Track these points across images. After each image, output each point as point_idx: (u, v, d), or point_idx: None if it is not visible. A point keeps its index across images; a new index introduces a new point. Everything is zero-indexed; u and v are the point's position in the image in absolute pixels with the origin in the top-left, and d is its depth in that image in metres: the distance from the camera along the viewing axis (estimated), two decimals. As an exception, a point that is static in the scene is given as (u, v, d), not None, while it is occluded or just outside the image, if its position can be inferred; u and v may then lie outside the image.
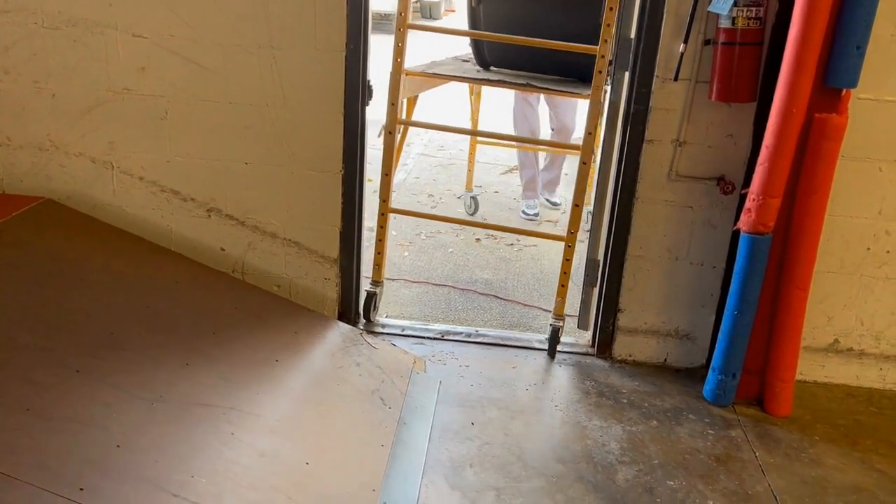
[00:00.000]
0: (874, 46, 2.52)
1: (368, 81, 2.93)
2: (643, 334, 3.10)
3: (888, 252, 2.90)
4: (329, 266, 3.09)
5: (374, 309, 3.27)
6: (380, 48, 3.23)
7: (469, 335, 3.26)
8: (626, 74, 2.88)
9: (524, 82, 3.54)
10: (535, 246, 4.43)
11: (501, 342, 3.23)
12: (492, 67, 3.77)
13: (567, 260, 3.11)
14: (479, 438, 2.59)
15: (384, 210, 3.24)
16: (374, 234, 3.29)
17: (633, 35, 2.83)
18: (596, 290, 3.16)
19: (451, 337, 3.24)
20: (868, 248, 2.90)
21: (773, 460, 2.59)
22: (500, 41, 3.50)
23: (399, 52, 3.11)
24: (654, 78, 2.76)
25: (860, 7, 2.43)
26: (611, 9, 2.86)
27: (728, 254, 2.92)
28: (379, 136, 3.22)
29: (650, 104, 2.80)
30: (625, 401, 2.87)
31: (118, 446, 1.91)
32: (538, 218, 4.87)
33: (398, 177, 5.30)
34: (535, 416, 2.75)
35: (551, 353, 3.15)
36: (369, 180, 3.20)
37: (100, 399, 2.07)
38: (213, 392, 2.28)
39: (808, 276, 2.71)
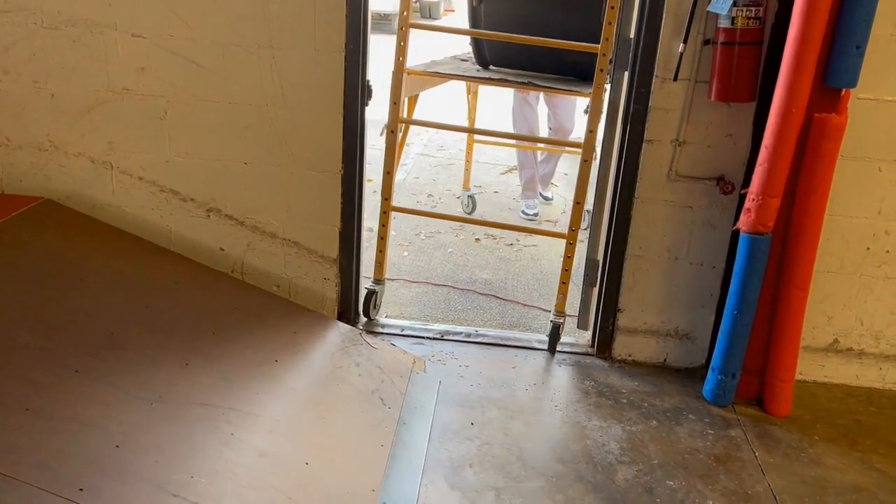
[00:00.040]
0: (874, 46, 2.52)
1: (368, 81, 2.93)
2: (643, 334, 3.10)
3: (888, 252, 2.90)
4: (328, 266, 3.09)
5: (375, 307, 3.28)
6: (379, 48, 3.23)
7: (469, 335, 3.26)
8: (626, 74, 2.88)
9: (525, 81, 3.55)
10: (534, 246, 4.44)
11: (501, 342, 3.23)
12: (491, 66, 3.77)
13: (568, 257, 3.12)
14: (479, 438, 2.59)
15: (386, 208, 3.25)
16: (374, 234, 3.29)
17: (632, 35, 2.83)
18: (595, 290, 3.16)
19: (450, 337, 3.24)
20: (868, 248, 2.90)
21: (773, 460, 2.59)
22: (502, 40, 3.51)
23: (401, 50, 3.11)
24: (654, 78, 2.76)
25: (860, 7, 2.43)
26: (612, 7, 2.86)
27: (728, 254, 2.92)
28: (381, 134, 3.23)
29: (650, 104, 2.80)
30: (624, 401, 2.87)
31: (118, 446, 1.91)
32: (538, 218, 4.88)
33: (397, 177, 5.30)
34: (535, 416, 2.75)
35: (552, 349, 3.16)
36: (369, 180, 3.20)
37: (99, 399, 2.07)
38: (213, 392, 2.27)
39: (808, 276, 2.71)
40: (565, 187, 5.54)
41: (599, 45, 2.94)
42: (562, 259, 3.17)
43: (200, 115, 2.92)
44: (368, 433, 2.42)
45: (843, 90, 2.55)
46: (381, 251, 3.28)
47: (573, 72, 3.61)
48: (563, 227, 3.20)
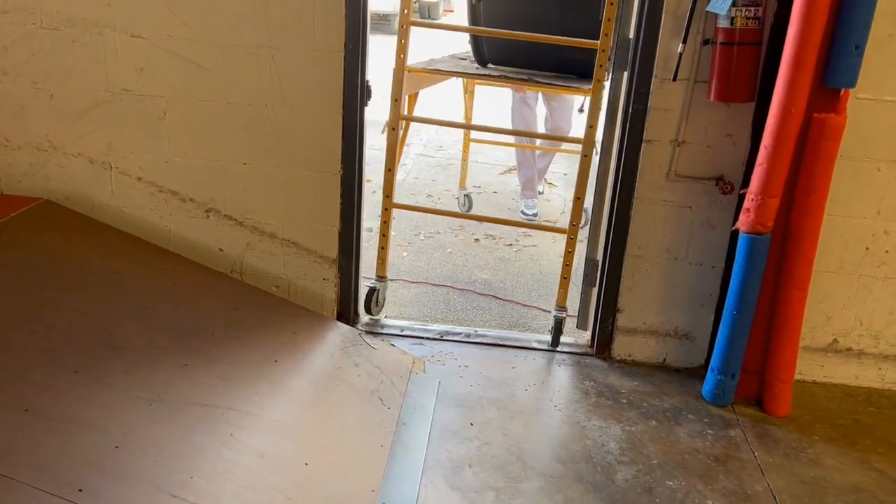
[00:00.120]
0: (873, 46, 2.52)
1: (367, 82, 2.93)
2: (642, 334, 3.10)
3: (887, 252, 2.90)
4: (328, 266, 3.09)
5: (377, 304, 3.29)
6: (378, 48, 3.23)
7: (468, 335, 3.26)
8: (625, 74, 2.88)
9: (525, 77, 3.56)
10: (534, 246, 4.44)
11: (500, 342, 3.23)
12: (490, 65, 3.78)
13: (569, 252, 3.14)
14: (479, 439, 2.59)
15: (388, 205, 3.27)
16: (373, 234, 3.30)
17: (631, 35, 2.83)
18: (595, 290, 3.16)
19: (450, 337, 3.24)
20: (867, 248, 2.90)
21: (773, 460, 2.59)
22: (501, 37, 3.51)
23: (402, 48, 3.12)
24: (653, 78, 2.76)
25: (859, 7, 2.43)
26: (611, 3, 2.87)
27: (727, 254, 2.92)
28: (382, 132, 3.24)
29: (649, 104, 2.80)
30: (624, 401, 2.87)
31: (117, 447, 1.91)
32: (537, 218, 4.88)
33: (397, 177, 5.31)
34: (535, 417, 2.75)
35: (555, 343, 3.19)
36: (368, 180, 3.20)
37: (98, 399, 2.07)
38: (212, 392, 2.27)
39: (807, 276, 2.71)
40: (565, 187, 5.54)
41: (598, 42, 2.95)
42: (562, 257, 3.17)
43: (200, 116, 2.92)
44: (368, 433, 2.41)
45: (843, 90, 2.55)
46: (382, 248, 3.30)
47: (572, 69, 3.62)
48: (563, 226, 3.20)
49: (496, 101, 5.80)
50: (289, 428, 2.29)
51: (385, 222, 3.28)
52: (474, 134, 5.09)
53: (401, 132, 3.28)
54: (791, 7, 2.46)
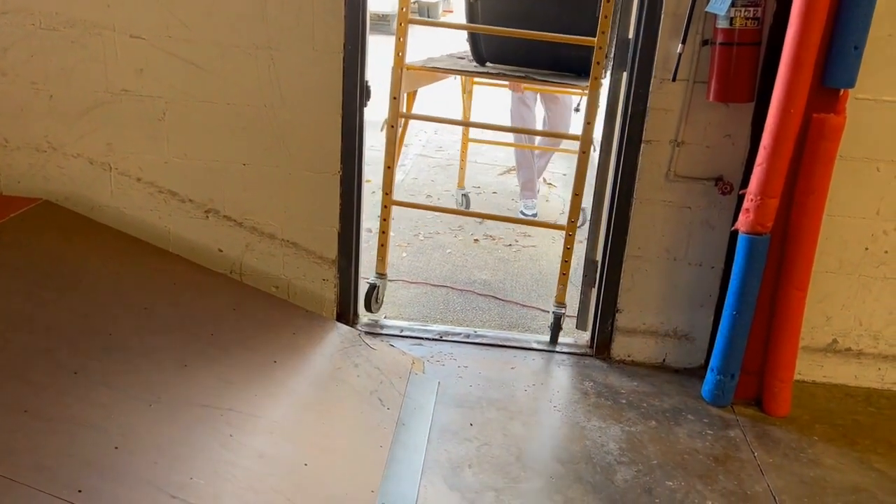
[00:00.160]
0: (872, 46, 2.52)
1: (366, 82, 2.93)
2: (642, 335, 3.10)
3: (886, 252, 2.90)
4: (327, 267, 3.09)
5: (377, 301, 3.30)
6: (378, 49, 3.23)
7: (467, 336, 3.26)
8: (625, 75, 2.89)
9: (522, 75, 3.57)
10: (533, 247, 4.44)
11: (500, 343, 3.23)
12: (488, 63, 3.79)
13: (568, 248, 3.15)
14: (478, 439, 2.59)
15: (387, 202, 3.28)
16: (372, 235, 3.30)
17: (631, 35, 2.84)
18: (594, 291, 3.17)
19: (449, 338, 3.24)
20: (866, 249, 2.90)
21: (772, 460, 2.59)
22: (500, 35, 3.53)
23: (400, 46, 3.13)
24: (653, 78, 2.76)
25: (858, 7, 2.43)
26: (608, 0, 2.88)
27: (726, 254, 2.92)
28: (381, 130, 3.25)
29: (648, 104, 2.80)
30: (623, 401, 2.87)
31: (116, 448, 1.91)
32: (536, 219, 4.88)
33: (396, 178, 5.32)
34: (534, 417, 2.75)
35: (553, 339, 3.20)
36: (367, 181, 3.20)
37: (98, 400, 2.07)
38: (212, 393, 2.27)
39: (807, 277, 2.71)
40: (564, 188, 5.54)
41: (595, 38, 2.97)
42: (561, 255, 3.19)
43: (199, 117, 2.92)
44: (367, 434, 2.41)
45: (842, 90, 2.55)
46: (382, 245, 3.32)
47: (569, 67, 3.63)
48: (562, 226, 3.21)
49: (494, 102, 5.81)
50: (288, 429, 2.28)
51: (385, 219, 3.30)
52: (473, 133, 5.10)
53: (399, 130, 3.29)
54: (790, 7, 2.46)
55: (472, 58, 3.83)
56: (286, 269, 3.10)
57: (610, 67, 3.00)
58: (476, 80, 4.57)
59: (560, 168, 5.90)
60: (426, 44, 5.27)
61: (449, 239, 4.47)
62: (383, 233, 3.32)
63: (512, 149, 5.21)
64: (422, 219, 4.69)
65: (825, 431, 2.78)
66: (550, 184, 5.64)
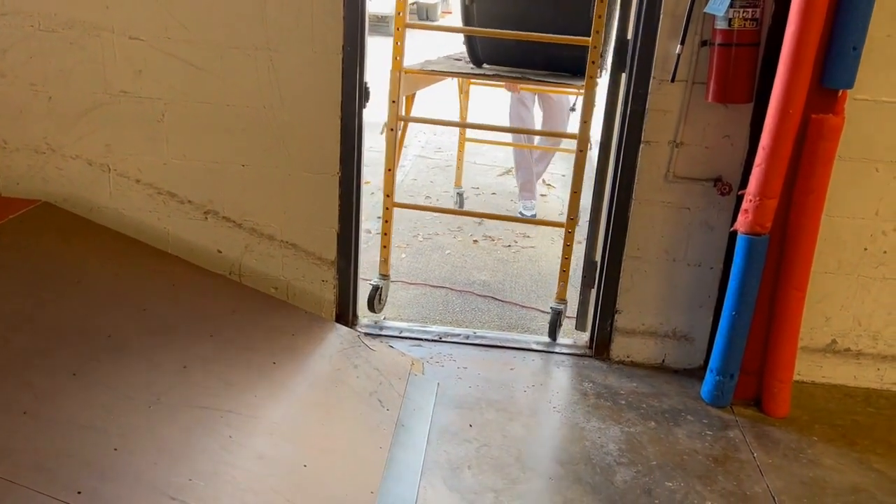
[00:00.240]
0: (871, 47, 2.52)
1: (365, 83, 2.93)
2: (641, 335, 3.10)
3: (885, 252, 2.90)
4: (326, 268, 3.09)
5: (380, 302, 3.33)
6: (377, 50, 3.23)
7: (467, 337, 3.26)
8: (623, 76, 2.89)
9: (519, 75, 3.59)
10: (532, 248, 4.44)
11: (499, 344, 3.23)
12: (485, 65, 3.80)
13: (567, 245, 3.17)
14: (478, 440, 2.59)
15: (388, 205, 3.31)
16: (372, 236, 3.31)
17: (630, 36, 2.84)
18: (594, 292, 3.17)
19: (448, 339, 3.24)
20: (865, 249, 2.90)
21: (772, 461, 2.59)
22: (495, 36, 3.54)
23: (398, 50, 3.14)
24: (651, 79, 2.77)
25: (856, 8, 2.43)
26: (601, 0, 2.90)
27: (725, 255, 2.92)
28: (381, 133, 3.26)
29: (647, 105, 2.80)
30: (623, 402, 2.87)
31: (116, 449, 1.91)
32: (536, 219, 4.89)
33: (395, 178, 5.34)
34: (534, 418, 2.75)
35: (552, 335, 3.23)
36: (366, 182, 3.21)
37: (97, 402, 2.07)
38: (211, 395, 2.27)
39: (806, 277, 2.71)
40: (563, 188, 5.54)
41: (590, 38, 2.98)
42: (560, 253, 3.20)
43: (198, 118, 2.92)
44: (367, 435, 2.41)
45: (840, 91, 2.55)
46: (384, 247, 3.35)
47: (565, 68, 3.65)
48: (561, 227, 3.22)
49: (492, 102, 5.81)
50: (288, 430, 2.28)
51: (386, 222, 3.32)
52: (471, 134, 5.11)
53: (399, 133, 3.30)
54: (789, 8, 2.46)
55: (468, 59, 3.84)
56: (285, 270, 3.10)
57: (605, 66, 3.01)
58: (473, 81, 4.58)
59: (559, 169, 5.91)
60: (424, 45, 5.28)
61: (448, 240, 4.47)
62: (385, 235, 3.34)
63: (511, 150, 5.22)
64: (421, 220, 4.69)
65: (824, 432, 2.78)
66: (549, 184, 5.64)
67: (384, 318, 3.39)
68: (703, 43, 2.68)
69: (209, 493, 1.89)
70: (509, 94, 4.73)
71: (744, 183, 2.73)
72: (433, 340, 3.21)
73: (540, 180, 5.22)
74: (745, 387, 2.87)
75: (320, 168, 2.95)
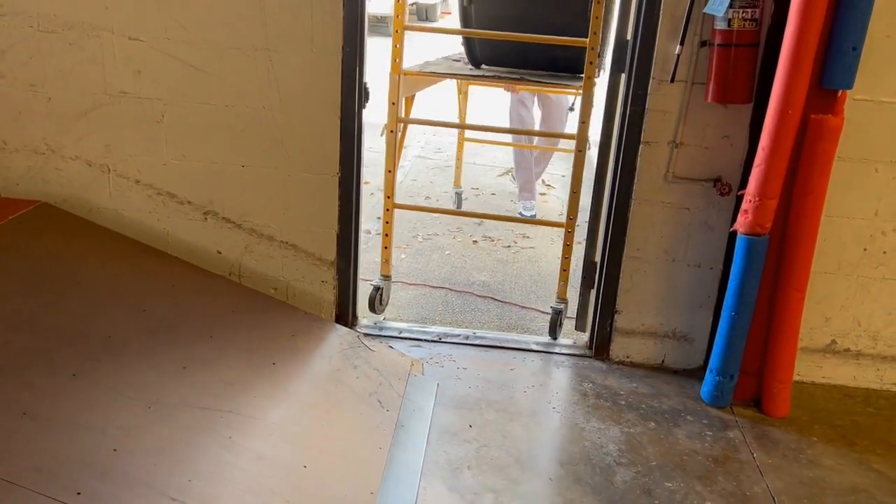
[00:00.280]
0: (870, 47, 2.52)
1: (365, 84, 2.93)
2: (641, 336, 3.10)
3: (885, 253, 2.90)
4: (326, 269, 3.09)
5: (381, 303, 3.33)
6: (376, 51, 3.23)
7: (467, 337, 3.26)
8: (623, 76, 2.89)
9: (517, 77, 3.60)
10: (532, 248, 4.44)
11: (499, 344, 3.23)
12: (483, 66, 3.80)
13: (567, 245, 3.18)
14: (477, 441, 2.59)
15: (389, 206, 3.32)
16: (371, 236, 3.31)
17: (629, 37, 2.84)
18: (593, 292, 3.17)
19: (448, 339, 3.24)
20: (865, 249, 2.90)
21: (771, 461, 2.59)
22: (494, 38, 3.55)
23: (397, 52, 3.15)
24: (651, 79, 2.77)
25: (856, 8, 2.43)
26: (598, 1, 2.92)
27: (725, 255, 2.92)
28: (381, 135, 3.27)
29: (646, 106, 2.80)
30: (623, 402, 2.87)
31: (115, 450, 1.91)
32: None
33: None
34: (533, 418, 2.75)
35: (552, 333, 3.24)
36: (366, 183, 3.21)
37: (97, 402, 2.06)
38: (211, 395, 2.27)
39: (805, 277, 2.71)
40: (562, 189, 5.54)
41: (588, 40, 2.99)
42: (560, 255, 3.20)
43: (197, 118, 2.92)
44: (367, 436, 2.41)
45: (840, 91, 2.55)
46: (385, 248, 3.36)
47: (563, 68, 3.66)
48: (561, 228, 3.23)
49: (491, 103, 5.81)
50: (287, 430, 2.28)
51: (387, 222, 3.33)
52: (470, 134, 5.12)
53: (399, 134, 3.31)
54: (788, 9, 2.46)
55: (467, 60, 3.85)
56: (285, 270, 3.10)
57: (604, 67, 3.02)
58: (471, 82, 4.59)
59: (558, 169, 5.91)
60: (424, 45, 5.27)
61: (448, 240, 4.47)
62: (386, 235, 3.35)
63: (511, 150, 5.23)
64: (421, 220, 4.69)
65: (824, 432, 2.78)
66: (549, 185, 5.64)
67: (384, 319, 3.39)
68: (703, 43, 2.69)
69: (209, 494, 1.89)
70: (509, 94, 4.74)
71: (743, 183, 2.73)
72: (433, 341, 3.21)
73: (539, 180, 5.22)
74: (745, 387, 2.87)
75: (320, 168, 2.95)
